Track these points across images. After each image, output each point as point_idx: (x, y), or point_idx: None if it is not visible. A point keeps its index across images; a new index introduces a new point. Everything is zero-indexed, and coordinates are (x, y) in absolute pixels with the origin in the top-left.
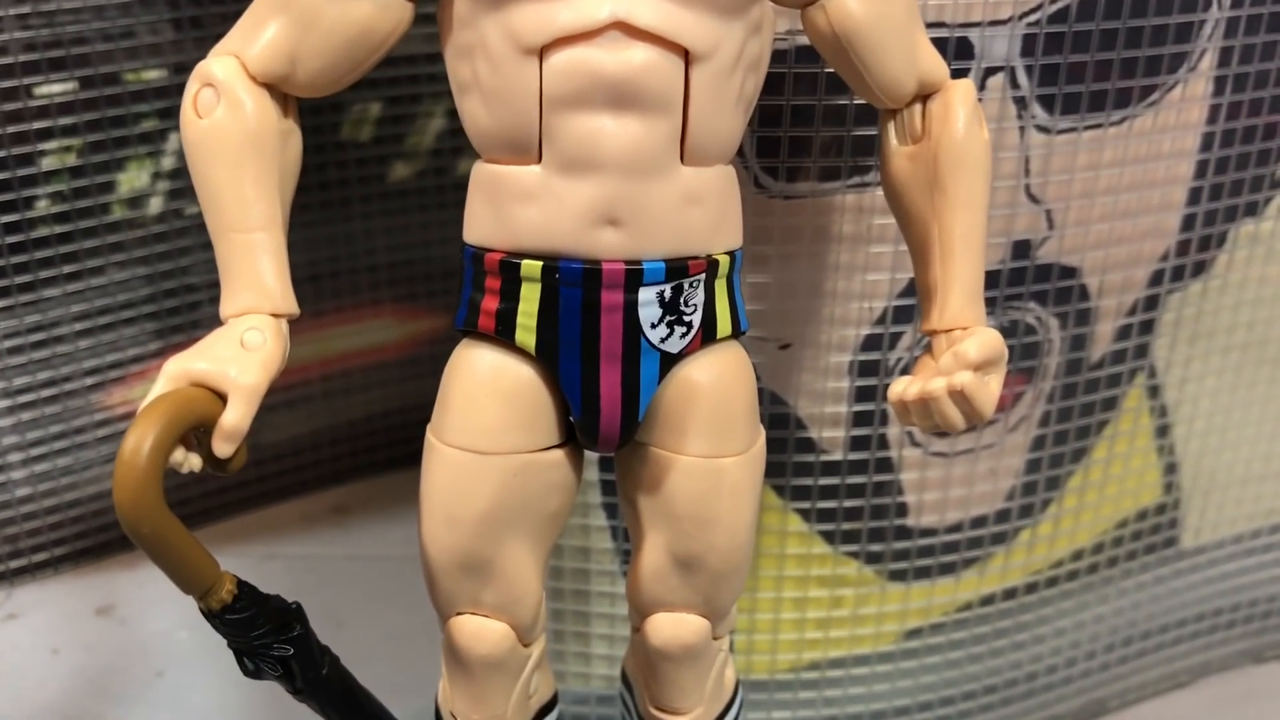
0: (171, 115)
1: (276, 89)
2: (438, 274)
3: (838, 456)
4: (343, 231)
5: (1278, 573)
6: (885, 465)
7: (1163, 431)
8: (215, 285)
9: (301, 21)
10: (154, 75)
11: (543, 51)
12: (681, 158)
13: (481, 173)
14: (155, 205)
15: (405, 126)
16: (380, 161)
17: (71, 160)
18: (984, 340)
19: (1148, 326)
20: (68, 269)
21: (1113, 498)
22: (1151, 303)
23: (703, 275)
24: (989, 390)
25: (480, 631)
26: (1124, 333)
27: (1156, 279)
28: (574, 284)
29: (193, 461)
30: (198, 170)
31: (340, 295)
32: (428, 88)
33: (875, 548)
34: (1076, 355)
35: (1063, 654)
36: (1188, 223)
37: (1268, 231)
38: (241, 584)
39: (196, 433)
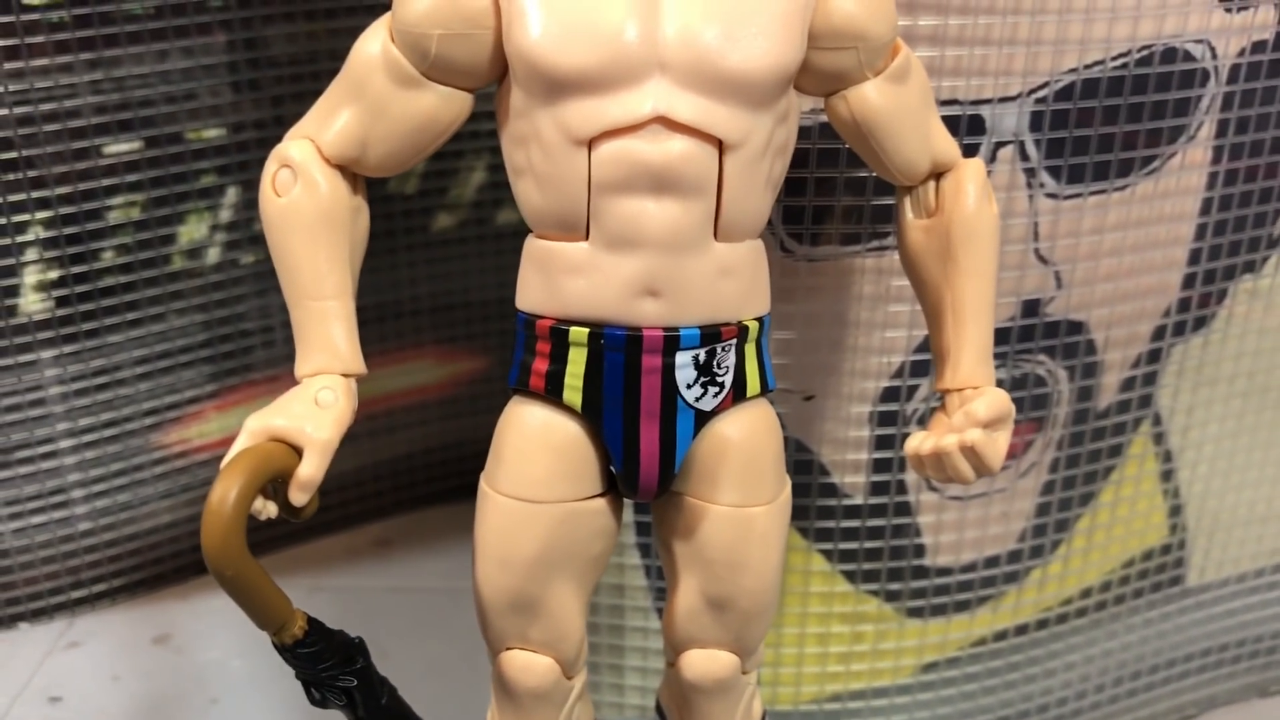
0: (229, 171)
1: (348, 170)
2: (477, 318)
3: (859, 500)
4: (388, 279)
5: None
6: (904, 509)
7: (1167, 476)
8: (267, 330)
9: (372, 111)
10: (214, 134)
11: (591, 142)
12: (715, 235)
13: (534, 247)
14: (213, 255)
15: (448, 180)
16: (424, 213)
17: (136, 214)
18: (992, 400)
19: (1152, 377)
20: (130, 316)
21: (1120, 539)
22: (1155, 355)
23: (734, 340)
24: (997, 446)
25: (529, 665)
26: (1129, 383)
27: (1160, 333)
28: (617, 349)
29: (270, 509)
30: (276, 243)
31: (385, 338)
32: (470, 144)
33: (894, 586)
34: (1084, 405)
35: (1073, 687)
36: (1189, 280)
37: (1266, 287)
38: (311, 620)
39: (274, 483)
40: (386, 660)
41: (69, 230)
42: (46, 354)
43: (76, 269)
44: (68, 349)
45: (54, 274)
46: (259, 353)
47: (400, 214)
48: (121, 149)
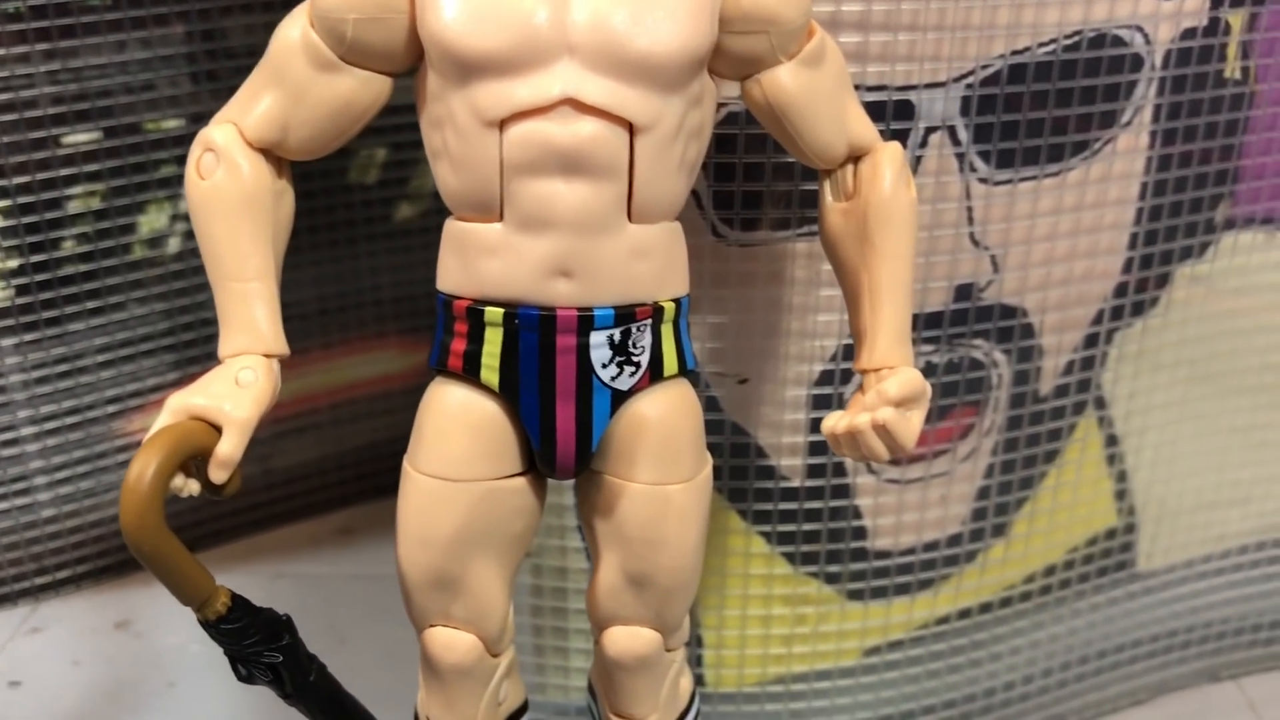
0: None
1: (271, 153)
2: None
3: (796, 483)
4: (350, 269)
5: (1231, 595)
6: (841, 491)
7: (1112, 460)
8: None
9: (292, 94)
10: (173, 124)
11: (503, 124)
12: (629, 216)
13: (451, 228)
14: (173, 245)
15: (409, 170)
16: (385, 203)
17: (95, 204)
18: (904, 379)
19: (1093, 362)
20: (91, 304)
21: (1065, 524)
22: (1096, 339)
23: (649, 320)
24: (910, 425)
25: (450, 642)
26: (1070, 367)
27: (1100, 317)
28: (532, 329)
29: (191, 487)
30: (200, 226)
31: (348, 328)
32: None
33: (834, 568)
34: (1024, 389)
35: (1021, 671)
36: (1130, 265)
37: (1207, 272)
38: (235, 597)
39: (195, 461)
40: (347, 644)
41: (28, 219)
42: (7, 342)
43: (36, 258)
44: (28, 337)
45: (13, 263)
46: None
47: (361, 204)
48: (80, 139)
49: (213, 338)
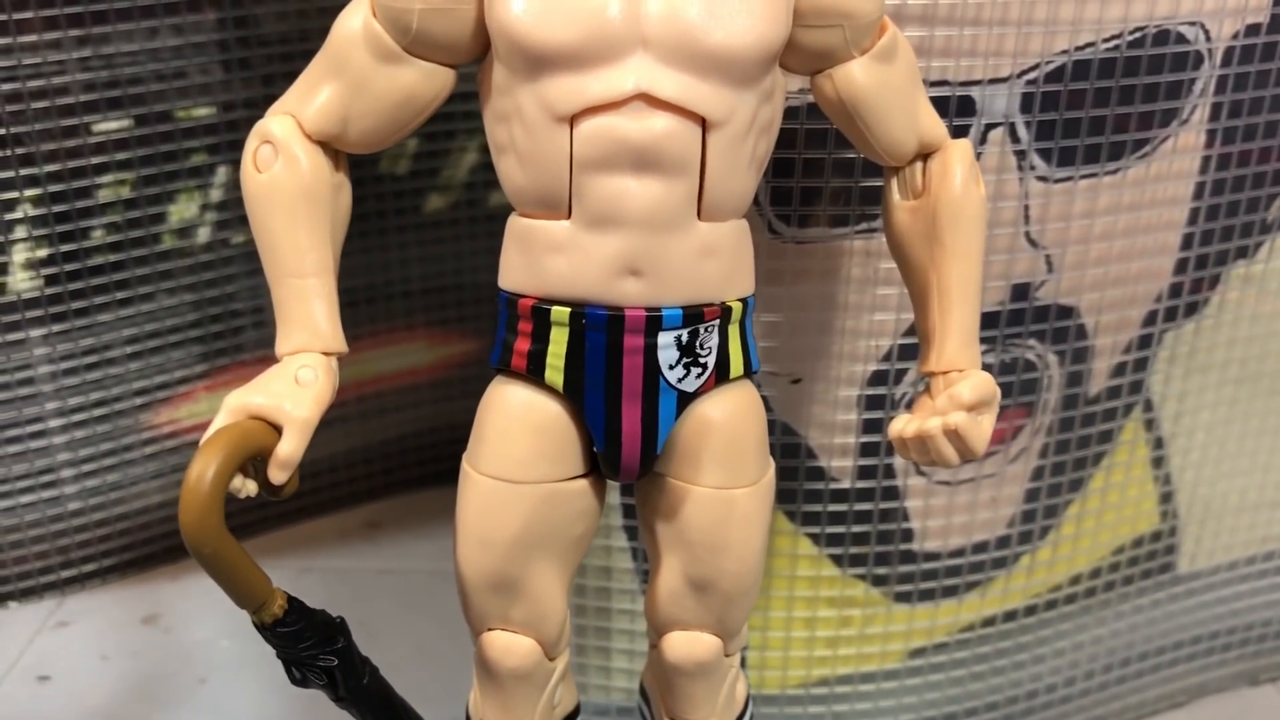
0: (219, 150)
1: (329, 146)
2: (469, 300)
3: (846, 485)
4: (379, 260)
5: (1272, 597)
6: (891, 493)
7: (1158, 463)
8: (258, 311)
9: (353, 86)
10: (204, 113)
11: (573, 119)
12: (699, 214)
13: (516, 225)
14: (203, 235)
15: (440, 161)
16: (416, 194)
17: (126, 193)
18: (977, 383)
19: (1143, 363)
20: (120, 295)
21: (1110, 525)
22: (1147, 341)
23: (717, 321)
24: (981, 429)
25: (510, 646)
26: (1120, 369)
27: (1152, 318)
28: (599, 329)
29: (250, 487)
30: (257, 220)
31: (376, 320)
32: (462, 124)
33: (881, 570)
34: (1074, 390)
35: (1062, 674)
36: (1182, 266)
37: (1259, 273)
38: (291, 599)
39: (254, 461)
40: (375, 641)
41: (58, 208)
42: (35, 333)
43: (66, 247)
44: (57, 328)
45: (43, 252)
46: (249, 333)
47: (392, 195)
48: (111, 127)
49: (241, 330)
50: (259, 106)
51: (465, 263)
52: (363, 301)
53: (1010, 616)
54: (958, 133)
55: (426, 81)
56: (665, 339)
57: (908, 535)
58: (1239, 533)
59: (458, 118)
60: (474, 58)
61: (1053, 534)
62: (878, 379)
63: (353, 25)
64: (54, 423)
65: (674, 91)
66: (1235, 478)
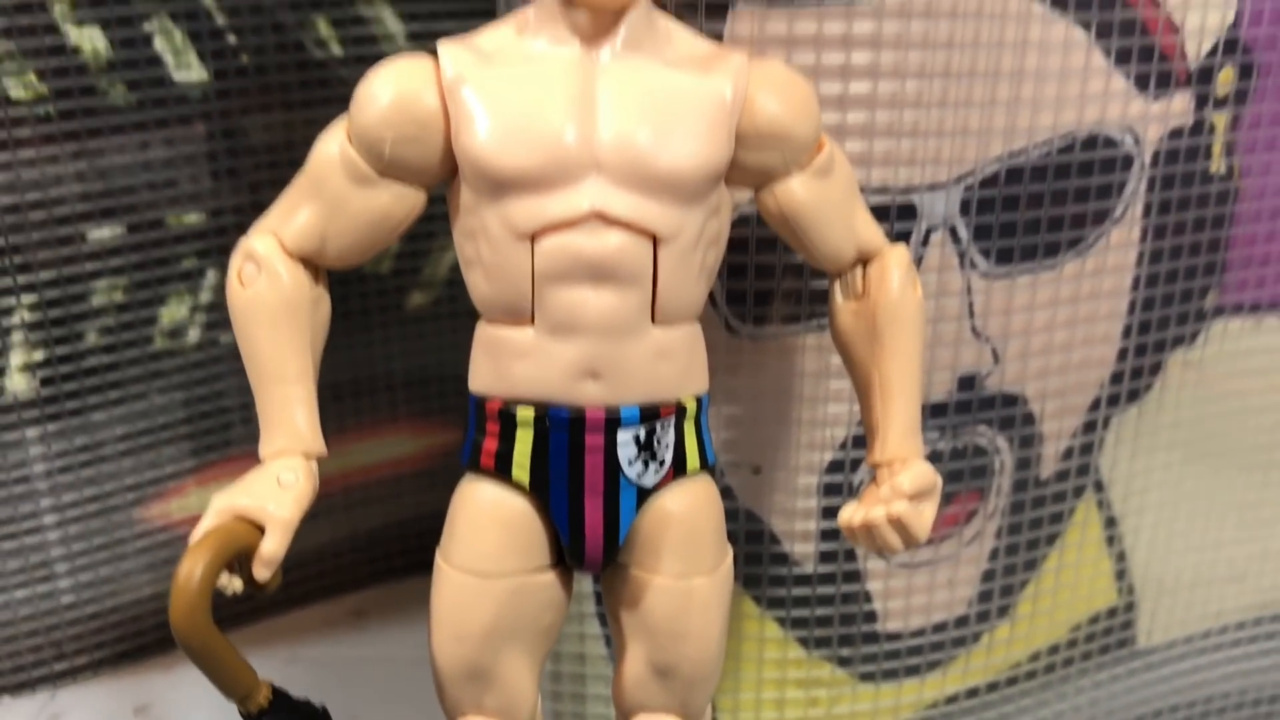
0: (209, 255)
1: (309, 262)
2: (450, 392)
3: (809, 569)
4: (364, 355)
5: (1229, 670)
6: (853, 576)
7: (1111, 541)
8: (245, 408)
9: (331, 207)
10: (193, 220)
11: (534, 236)
12: (653, 320)
13: (484, 333)
14: (193, 336)
15: (421, 260)
16: (399, 291)
17: (119, 297)
18: (917, 473)
19: (1091, 447)
20: (113, 394)
21: (1067, 603)
22: (1094, 425)
23: (673, 418)
24: (923, 518)
25: None
26: (1069, 452)
27: (1097, 404)
28: (561, 428)
29: (235, 584)
30: (242, 332)
31: (361, 413)
32: (441, 225)
33: (846, 651)
34: (1025, 474)
35: None
36: (1124, 354)
37: (1198, 359)
38: (275, 690)
39: (239, 559)
40: None
41: (54, 313)
42: (32, 433)
43: (61, 350)
44: (52, 427)
45: (39, 355)
46: (238, 429)
47: (375, 293)
48: (105, 235)
49: (229, 426)
50: (247, 212)
51: (446, 356)
52: (348, 395)
53: (973, 694)
54: (901, 235)
55: (399, 202)
56: (624, 437)
57: (870, 616)
58: (1194, 608)
59: (438, 219)
60: (443, 180)
61: (1011, 612)
62: (835, 467)
63: (330, 150)
64: (49, 519)
65: (626, 210)
66: (1187, 554)
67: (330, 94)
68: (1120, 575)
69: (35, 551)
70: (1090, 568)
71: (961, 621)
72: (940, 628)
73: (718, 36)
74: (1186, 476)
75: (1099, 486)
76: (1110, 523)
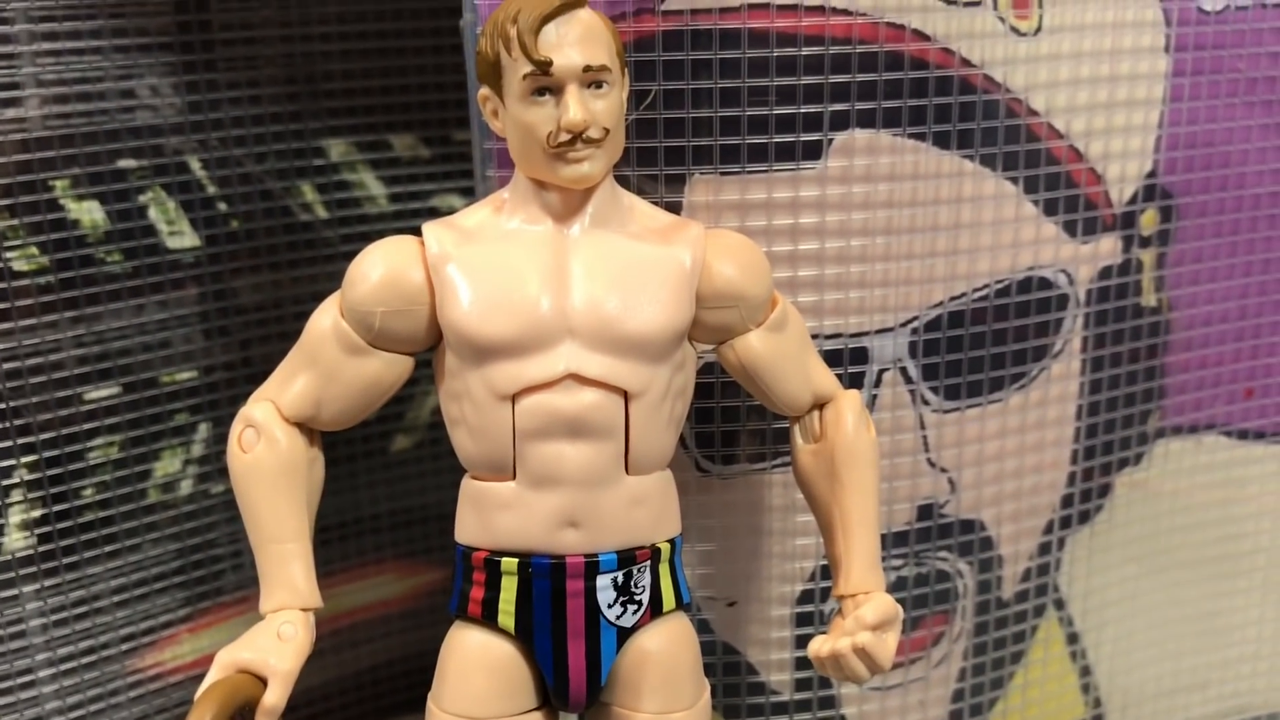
0: (201, 410)
1: (305, 426)
2: (435, 533)
3: (786, 697)
4: (350, 499)
5: None
6: (828, 702)
7: (1075, 656)
8: (236, 555)
9: (325, 375)
10: (186, 377)
11: (515, 397)
12: (627, 470)
13: (469, 487)
14: (186, 488)
15: (405, 405)
16: (383, 436)
17: (114, 453)
18: (879, 604)
19: (1049, 566)
20: (108, 548)
21: (1041, 718)
22: (1049, 546)
23: (649, 561)
24: (886, 646)
25: None
26: (1029, 573)
27: (1052, 526)
28: (544, 576)
29: None
30: (242, 494)
31: (348, 555)
32: (423, 372)
33: None
34: (988, 596)
35: None
36: (1074, 477)
37: (1144, 478)
38: None
39: (243, 710)
40: None
41: (52, 472)
42: (28, 588)
43: (58, 507)
44: (48, 583)
45: (37, 513)
46: (229, 576)
47: (360, 438)
48: (101, 395)
49: (221, 574)
50: (238, 369)
51: (430, 497)
52: (335, 538)
53: None
54: (855, 376)
55: (389, 369)
56: (603, 581)
57: None
58: (1160, 717)
59: (420, 365)
60: (429, 347)
61: None
62: (806, 597)
63: (324, 324)
64: (44, 673)
65: (598, 371)
66: (1149, 665)
67: (316, 254)
68: (1086, 689)
69: (29, 706)
70: (1056, 683)
71: None
72: None
73: (678, 204)
74: (1144, 590)
75: (1059, 604)
76: (1073, 638)
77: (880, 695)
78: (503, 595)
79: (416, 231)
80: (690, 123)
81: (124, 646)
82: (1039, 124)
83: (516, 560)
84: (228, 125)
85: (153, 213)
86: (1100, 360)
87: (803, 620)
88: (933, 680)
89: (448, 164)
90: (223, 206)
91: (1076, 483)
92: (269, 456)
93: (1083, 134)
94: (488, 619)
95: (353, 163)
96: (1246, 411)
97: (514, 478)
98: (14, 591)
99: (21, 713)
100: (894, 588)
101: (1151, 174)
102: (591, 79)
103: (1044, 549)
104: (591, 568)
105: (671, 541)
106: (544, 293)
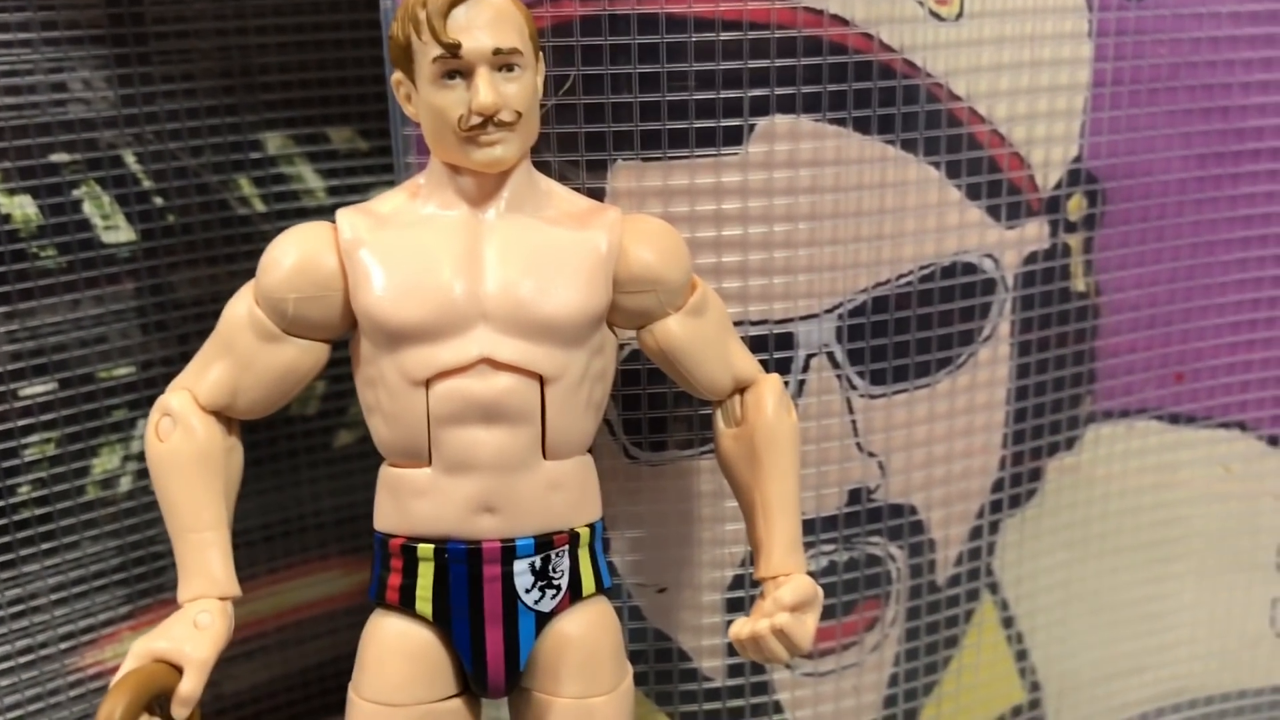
0: (139, 405)
1: (222, 415)
2: None
3: (719, 683)
4: (293, 496)
5: None
6: (761, 688)
7: (1012, 640)
8: None
9: (240, 363)
10: (124, 372)
11: (428, 382)
12: (544, 454)
13: (386, 474)
14: (125, 484)
15: (347, 400)
16: (325, 432)
17: (51, 450)
18: (797, 586)
19: (984, 550)
20: (46, 545)
21: (972, 705)
22: (982, 530)
23: (567, 546)
24: (804, 627)
25: None
26: (961, 557)
27: (983, 510)
28: (460, 561)
29: None
30: (159, 483)
31: (291, 552)
32: None
33: None
34: (921, 580)
35: None
36: (1005, 462)
37: (1075, 463)
38: None
39: (159, 699)
40: None
41: None
42: None
43: None
44: None
45: None
46: (171, 573)
47: (302, 434)
48: (36, 391)
49: (162, 571)
50: (175, 364)
51: (374, 493)
52: (278, 535)
53: None
54: (781, 363)
55: (304, 356)
56: (520, 566)
57: None
58: (1098, 701)
59: None
60: (345, 333)
61: (918, 716)
62: (737, 583)
63: (239, 311)
64: None
65: (512, 355)
66: (1085, 651)
67: (254, 248)
68: (1023, 673)
69: None
70: (991, 668)
71: None
72: None
73: (600, 191)
74: (1078, 575)
75: (994, 588)
76: (1008, 623)
77: (814, 681)
78: (420, 582)
79: None
80: (610, 108)
81: (63, 645)
82: (961, 109)
83: (433, 546)
84: (163, 119)
85: (87, 207)
86: (1029, 345)
87: (734, 606)
88: (867, 665)
89: (386, 156)
90: (159, 200)
91: (1007, 467)
92: (185, 445)
93: (1006, 119)
94: (405, 606)
95: (290, 155)
96: (1178, 396)
97: (429, 464)
98: None
99: None
100: (825, 573)
101: (1077, 159)
102: (502, 62)
103: (976, 533)
104: (509, 553)
105: (591, 526)
106: (457, 277)
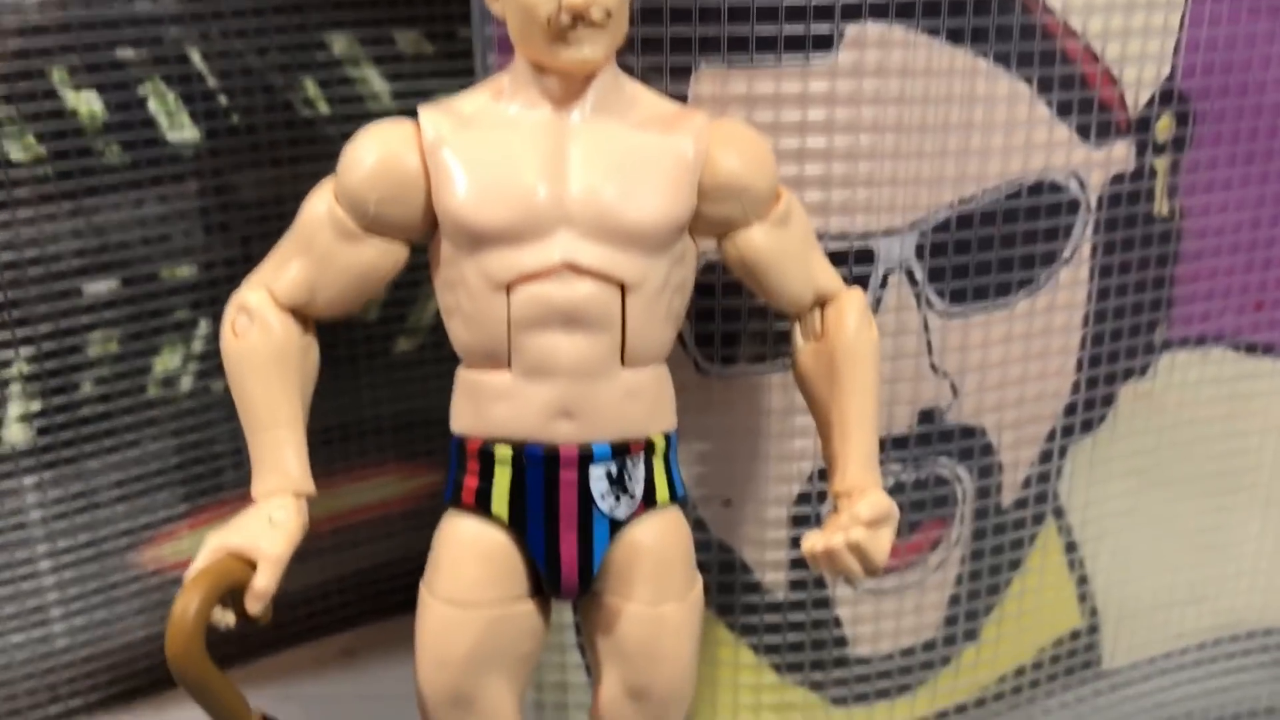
0: (201, 306)
1: (299, 313)
2: (436, 434)
3: (780, 596)
4: (352, 401)
5: (1192, 690)
6: (823, 603)
7: (1073, 565)
8: (237, 453)
9: (319, 262)
10: (186, 273)
11: (510, 287)
12: (622, 362)
13: (464, 377)
14: (186, 384)
15: (406, 307)
16: (385, 338)
17: (114, 348)
18: (874, 501)
19: (1050, 475)
20: (108, 443)
21: (1031, 627)
22: (1050, 455)
23: (642, 454)
24: (880, 543)
25: None
26: (1029, 481)
27: (1054, 434)
28: (537, 465)
29: (228, 618)
30: (235, 381)
31: (349, 456)
32: (425, 274)
33: (818, 676)
34: (988, 502)
35: None
36: (1078, 385)
37: (1148, 390)
38: (267, 718)
39: (233, 594)
40: None
41: (51, 365)
42: (29, 480)
43: (58, 400)
44: (48, 475)
45: (36, 406)
46: (229, 473)
47: (362, 339)
48: (100, 289)
49: (220, 471)
50: (238, 265)
51: (432, 400)
52: (337, 439)
53: (942, 716)
54: (859, 278)
55: (384, 256)
56: (596, 472)
57: (841, 641)
58: (1156, 630)
59: (421, 268)
60: (425, 234)
61: (977, 636)
62: (803, 499)
63: (318, 209)
64: (44, 564)
65: (594, 261)
66: (1147, 578)
67: (318, 151)
68: (1083, 599)
69: (31, 597)
70: (1052, 592)
71: (929, 645)
72: (909, 652)
73: (683, 97)
74: (1144, 503)
75: (1059, 513)
76: (1071, 548)
77: (875, 598)
78: (496, 484)
79: None
80: (698, 11)
81: (124, 541)
82: (1054, 22)
83: (510, 450)
84: (228, 16)
85: (152, 105)
86: (1109, 268)
87: (799, 521)
88: (929, 585)
89: (452, 61)
90: (224, 100)
91: (1081, 392)
92: (262, 342)
93: (1099, 34)
94: (481, 508)
95: (355, 58)
96: (1256, 324)
97: (509, 368)
98: (14, 484)
99: (23, 603)
100: (892, 492)
101: (1169, 79)
102: None
103: (1045, 457)
104: (585, 458)
105: (666, 436)
106: (541, 180)
